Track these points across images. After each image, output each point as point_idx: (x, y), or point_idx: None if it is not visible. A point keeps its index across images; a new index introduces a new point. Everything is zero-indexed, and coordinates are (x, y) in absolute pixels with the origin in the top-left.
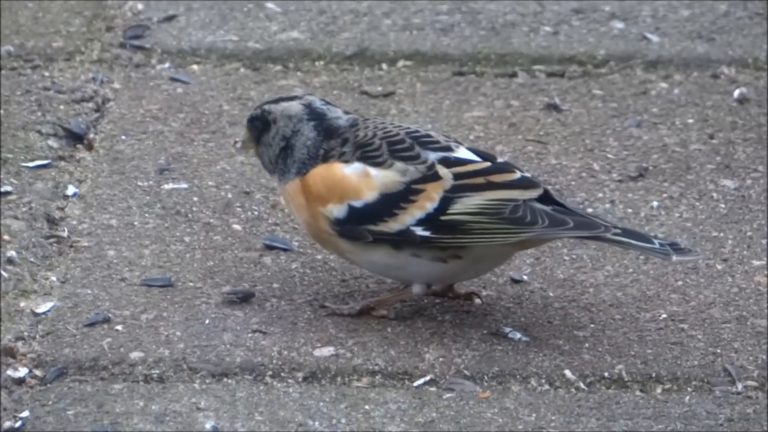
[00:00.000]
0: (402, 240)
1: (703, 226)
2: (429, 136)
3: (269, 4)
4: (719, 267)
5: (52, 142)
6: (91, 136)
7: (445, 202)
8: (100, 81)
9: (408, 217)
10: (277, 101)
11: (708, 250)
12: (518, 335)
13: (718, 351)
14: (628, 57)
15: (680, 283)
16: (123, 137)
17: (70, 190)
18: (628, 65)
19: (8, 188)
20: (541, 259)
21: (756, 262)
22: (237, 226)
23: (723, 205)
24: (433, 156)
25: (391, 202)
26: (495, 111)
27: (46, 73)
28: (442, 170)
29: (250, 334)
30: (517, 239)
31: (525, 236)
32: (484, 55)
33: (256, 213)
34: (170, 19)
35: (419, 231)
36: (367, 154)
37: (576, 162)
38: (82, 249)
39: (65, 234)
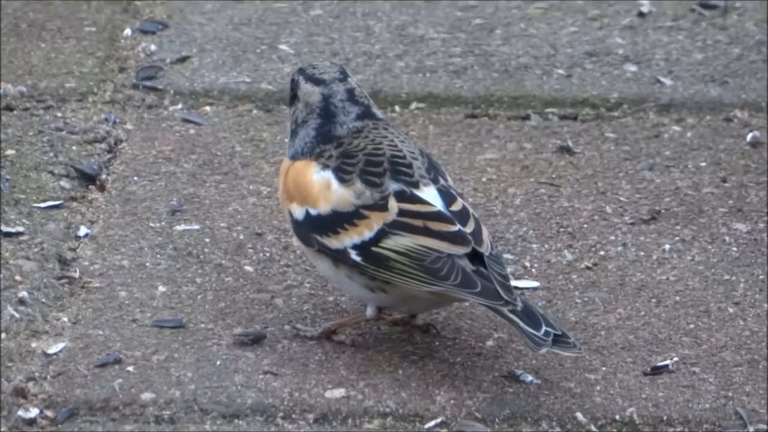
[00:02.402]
0: (339, 259)
1: (715, 269)
2: (410, 166)
3: (282, 46)
4: (731, 310)
5: (65, 183)
6: (104, 176)
7: (380, 235)
8: (112, 122)
9: (347, 239)
10: (311, 75)
11: (720, 294)
12: (530, 378)
13: (730, 394)
14: (641, 100)
15: (692, 326)
16: (135, 178)
17: (82, 230)
18: (641, 108)
19: (20, 229)
20: (553, 302)
21: None
22: (249, 268)
23: (735, 249)
24: (393, 187)
25: (339, 220)
26: (507, 153)
27: (59, 114)
28: (392, 203)
29: (261, 376)
30: (428, 289)
31: (434, 288)
32: (497, 97)
33: (268, 254)
34: (183, 60)
35: (353, 254)
36: (344, 165)
37: (588, 205)
38: (94, 290)
39: (77, 275)
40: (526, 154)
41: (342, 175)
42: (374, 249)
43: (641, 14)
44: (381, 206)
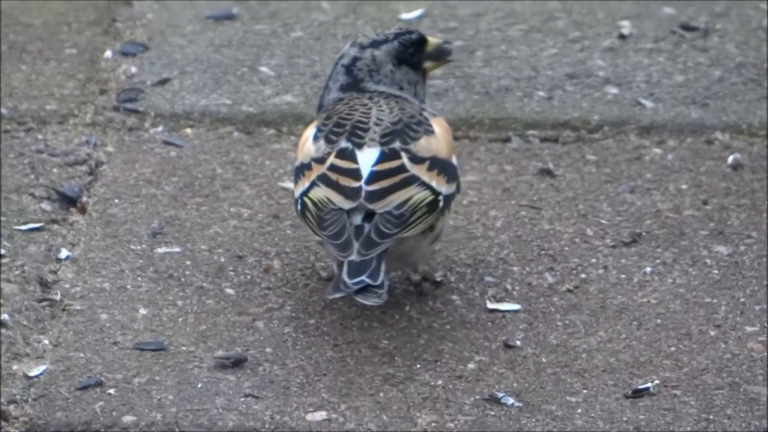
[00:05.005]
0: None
1: (697, 292)
2: (367, 129)
3: (263, 68)
4: (712, 333)
5: (45, 205)
6: (84, 199)
7: (311, 185)
8: (93, 144)
9: (300, 188)
10: (372, 32)
11: (701, 316)
12: (511, 400)
13: (711, 417)
14: (621, 122)
15: (673, 349)
16: (116, 200)
17: (63, 253)
18: (622, 131)
19: (1, 251)
20: (534, 324)
21: (749, 329)
22: (230, 290)
23: (716, 271)
24: (342, 145)
25: (301, 170)
26: (488, 176)
27: (40, 136)
28: (330, 158)
29: (242, 399)
30: (315, 238)
31: (317, 238)
32: (477, 119)
33: (249, 277)
34: (164, 82)
35: (299, 203)
36: (323, 123)
37: (569, 227)
38: (75, 312)
39: (58, 297)
40: (507, 177)
41: (317, 132)
42: (303, 198)
43: (622, 36)
44: (322, 160)
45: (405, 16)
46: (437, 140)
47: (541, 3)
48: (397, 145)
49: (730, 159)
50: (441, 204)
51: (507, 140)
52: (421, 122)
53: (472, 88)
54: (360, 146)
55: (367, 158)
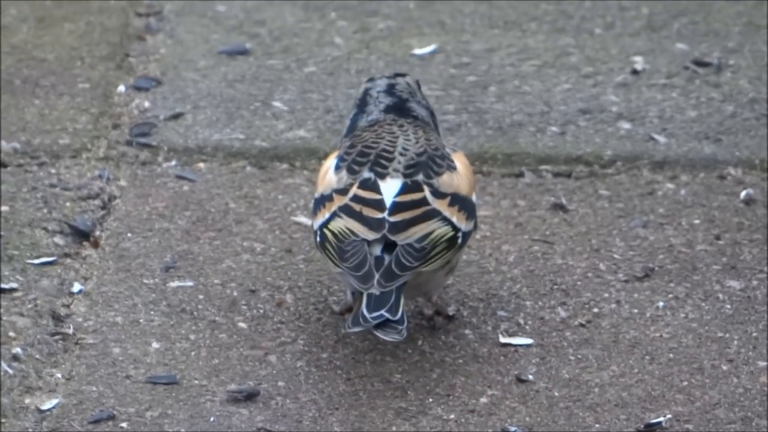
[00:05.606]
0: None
1: (709, 327)
2: (391, 159)
3: (276, 103)
4: (725, 367)
5: (58, 240)
6: (97, 233)
7: (332, 216)
8: (106, 178)
9: (320, 219)
10: (371, 77)
11: (714, 351)
12: None
13: None
14: (634, 157)
15: (685, 383)
16: (129, 234)
17: (76, 287)
18: (635, 166)
19: (14, 285)
20: (547, 359)
21: (761, 363)
22: (242, 324)
23: (729, 306)
24: (365, 175)
25: (321, 202)
26: (501, 210)
27: (53, 170)
28: (353, 189)
29: None
30: (336, 270)
31: (337, 270)
32: (490, 154)
33: (261, 311)
34: (177, 117)
35: (318, 235)
36: (345, 154)
37: (582, 262)
38: (88, 346)
39: (70, 331)
40: (520, 211)
41: (339, 162)
42: (323, 229)
43: (635, 72)
44: (345, 191)
45: (418, 51)
46: (459, 177)
47: (555, 38)
48: (420, 177)
49: (743, 194)
50: (460, 241)
51: (520, 175)
52: (445, 156)
53: (485, 123)
54: (383, 176)
55: (389, 189)
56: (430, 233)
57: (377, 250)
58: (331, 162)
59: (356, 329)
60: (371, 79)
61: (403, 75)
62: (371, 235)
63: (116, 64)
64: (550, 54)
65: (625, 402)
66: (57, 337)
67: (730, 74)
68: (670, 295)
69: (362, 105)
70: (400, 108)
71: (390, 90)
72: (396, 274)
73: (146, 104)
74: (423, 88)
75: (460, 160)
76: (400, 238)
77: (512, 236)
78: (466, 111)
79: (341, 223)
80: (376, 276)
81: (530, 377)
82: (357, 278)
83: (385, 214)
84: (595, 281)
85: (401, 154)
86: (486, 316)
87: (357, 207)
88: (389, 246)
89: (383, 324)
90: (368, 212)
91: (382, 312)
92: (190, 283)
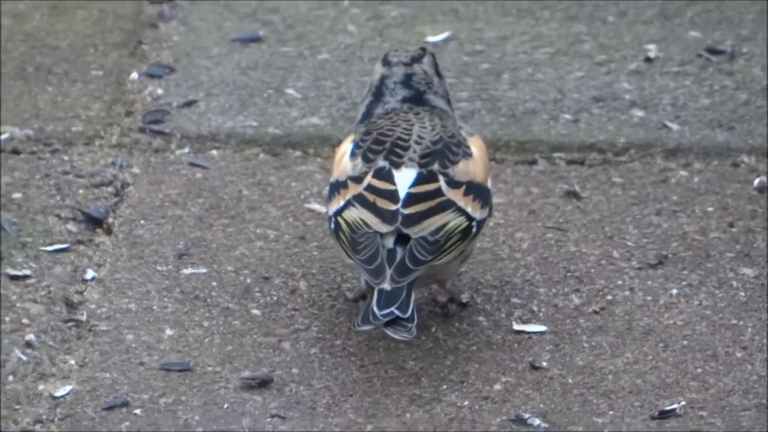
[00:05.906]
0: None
1: (723, 314)
2: (407, 148)
3: (289, 90)
4: (739, 354)
5: (71, 227)
6: (110, 220)
7: (347, 205)
8: (119, 165)
9: (335, 206)
10: (386, 56)
11: (727, 338)
12: (537, 421)
13: None
14: (648, 145)
15: (699, 370)
16: (142, 222)
17: (89, 274)
18: (648, 153)
19: (27, 272)
20: (561, 346)
21: None
22: (256, 311)
23: (742, 293)
24: (380, 164)
25: (336, 188)
26: (515, 198)
27: (66, 158)
28: (367, 178)
29: (268, 419)
30: (348, 261)
31: (349, 261)
32: (504, 142)
33: (275, 298)
34: (190, 104)
35: (332, 222)
36: (361, 139)
37: (595, 249)
38: (101, 333)
39: (84, 318)
40: (533, 199)
41: (355, 149)
42: (338, 218)
43: (648, 59)
44: (359, 179)
45: (431, 38)
46: (475, 163)
47: (568, 26)
48: (435, 167)
49: (756, 182)
50: (474, 230)
51: (533, 162)
52: (461, 143)
53: (498, 110)
54: (398, 166)
55: (404, 179)
56: (444, 225)
57: (390, 242)
58: (346, 146)
59: (366, 327)
60: (387, 63)
61: (423, 51)
62: (384, 228)
63: (129, 51)
64: (564, 42)
65: (639, 389)
66: (70, 323)
67: (743, 62)
68: (684, 283)
69: (378, 94)
70: (417, 99)
71: (407, 82)
72: (409, 269)
73: (159, 91)
74: None
75: (476, 145)
76: (414, 231)
77: (526, 223)
78: (479, 98)
79: (355, 213)
80: (389, 270)
81: (544, 364)
82: (368, 272)
83: (399, 206)
84: (609, 268)
85: (417, 143)
86: (500, 303)
87: (371, 197)
88: (402, 238)
89: (393, 321)
90: (382, 203)
91: (392, 309)
92: (203, 270)
